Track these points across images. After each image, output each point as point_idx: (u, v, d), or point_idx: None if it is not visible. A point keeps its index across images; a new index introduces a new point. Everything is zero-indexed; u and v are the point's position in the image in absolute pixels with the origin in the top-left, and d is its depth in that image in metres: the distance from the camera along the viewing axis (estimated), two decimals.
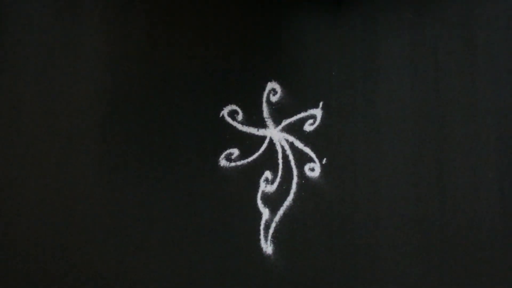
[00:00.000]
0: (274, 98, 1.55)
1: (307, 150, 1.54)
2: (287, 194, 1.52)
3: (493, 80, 1.55)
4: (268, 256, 1.49)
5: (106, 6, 1.56)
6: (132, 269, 1.47)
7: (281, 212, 1.51)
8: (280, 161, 1.53)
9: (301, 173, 1.52)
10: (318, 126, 1.54)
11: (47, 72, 1.54)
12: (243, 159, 1.53)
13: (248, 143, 1.52)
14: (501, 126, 1.54)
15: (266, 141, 1.54)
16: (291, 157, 1.53)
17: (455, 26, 1.58)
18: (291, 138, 1.54)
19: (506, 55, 1.57)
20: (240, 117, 1.53)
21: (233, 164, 1.52)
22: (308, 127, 1.54)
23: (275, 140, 1.54)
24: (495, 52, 1.57)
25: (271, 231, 1.50)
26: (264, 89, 1.55)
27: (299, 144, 1.54)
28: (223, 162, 1.50)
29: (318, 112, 1.55)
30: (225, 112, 1.54)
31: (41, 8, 1.56)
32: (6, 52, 1.54)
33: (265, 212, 1.50)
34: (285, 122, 1.55)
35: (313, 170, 1.52)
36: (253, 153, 1.53)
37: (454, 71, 1.56)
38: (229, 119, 1.53)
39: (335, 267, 1.48)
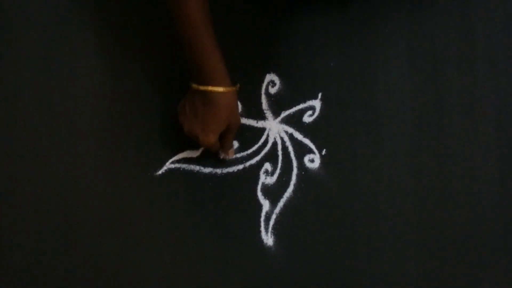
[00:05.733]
0: (273, 90, 1.54)
1: (307, 141, 1.53)
2: (287, 185, 1.51)
3: (492, 71, 1.55)
4: (269, 248, 1.48)
5: (104, 3, 1.56)
6: (130, 262, 1.46)
7: (281, 203, 1.50)
8: (280, 152, 1.52)
9: (301, 165, 1.52)
10: (317, 117, 1.54)
11: (45, 69, 1.53)
12: (243, 151, 1.52)
13: (248, 135, 1.51)
14: (500, 117, 1.54)
15: (266, 132, 1.53)
16: (290, 149, 1.53)
17: (454, 17, 1.57)
18: (290, 130, 1.53)
19: (505, 46, 1.57)
20: (239, 109, 1.52)
21: (233, 156, 1.51)
22: (307, 118, 1.54)
23: (275, 132, 1.53)
24: (493, 43, 1.56)
25: (271, 222, 1.49)
26: (262, 81, 1.54)
27: (298, 136, 1.53)
28: (223, 155, 1.49)
29: (317, 103, 1.54)
30: None
31: (39, 6, 1.55)
32: (4, 51, 1.53)
33: (266, 204, 1.49)
34: (284, 114, 1.54)
35: (313, 161, 1.52)
36: (253, 145, 1.53)
37: (453, 62, 1.56)
38: None
39: (335, 258, 1.48)
